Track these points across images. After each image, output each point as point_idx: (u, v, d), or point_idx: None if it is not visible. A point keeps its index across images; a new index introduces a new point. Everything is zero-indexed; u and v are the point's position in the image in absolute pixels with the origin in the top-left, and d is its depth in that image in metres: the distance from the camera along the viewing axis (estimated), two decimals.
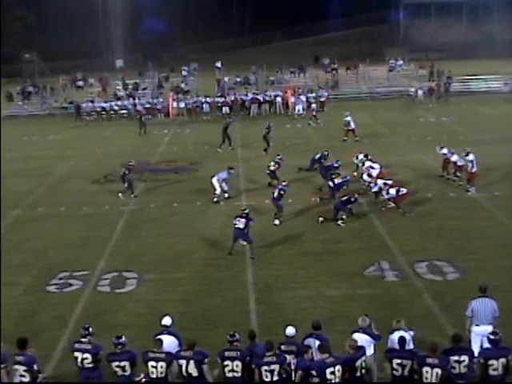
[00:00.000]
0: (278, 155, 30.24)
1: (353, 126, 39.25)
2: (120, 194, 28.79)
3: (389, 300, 17.61)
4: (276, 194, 24.70)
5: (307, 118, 47.71)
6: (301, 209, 26.19)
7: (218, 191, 27.52)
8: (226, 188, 27.83)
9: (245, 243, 21.43)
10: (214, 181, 27.58)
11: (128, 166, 29.16)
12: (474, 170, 27.01)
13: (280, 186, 25.05)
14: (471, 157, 26.99)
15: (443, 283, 18.61)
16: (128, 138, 45.22)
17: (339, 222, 23.97)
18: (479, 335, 13.21)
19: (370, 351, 12.73)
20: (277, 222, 24.61)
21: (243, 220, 21.03)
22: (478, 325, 13.61)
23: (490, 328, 12.97)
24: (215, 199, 27.50)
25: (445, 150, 29.33)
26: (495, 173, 29.98)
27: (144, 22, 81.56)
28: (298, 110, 50.49)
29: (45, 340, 15.90)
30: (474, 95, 57.42)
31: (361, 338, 12.55)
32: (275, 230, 23.87)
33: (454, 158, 28.41)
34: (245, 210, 21.66)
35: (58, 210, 27.44)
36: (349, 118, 39.48)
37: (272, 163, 29.52)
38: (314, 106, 49.96)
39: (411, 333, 12.85)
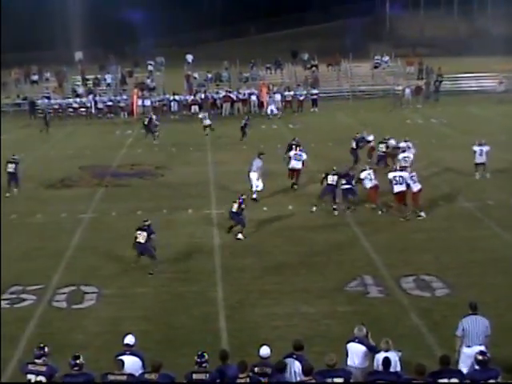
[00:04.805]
0: (298, 146, 30.70)
1: None
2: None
3: (372, 318, 17.57)
4: (235, 208, 23.75)
5: (283, 118, 47.81)
6: (275, 218, 26.24)
7: (260, 186, 27.31)
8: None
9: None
10: (253, 175, 27.30)
11: (11, 160, 29.66)
12: None
13: (242, 198, 24.01)
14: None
15: (431, 300, 18.73)
16: (87, 139, 45.04)
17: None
18: (470, 357, 12.98)
19: (365, 365, 12.79)
20: (240, 236, 23.90)
21: (144, 233, 20.85)
22: (469, 346, 13.57)
23: (482, 349, 12.92)
24: (254, 196, 27.46)
25: (392, 141, 31.80)
26: (487, 180, 30.26)
27: (106, 12, 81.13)
28: (272, 111, 50.52)
29: None
30: (466, 95, 58.00)
31: (356, 349, 12.65)
32: (246, 240, 23.88)
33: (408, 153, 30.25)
34: (146, 221, 21.42)
35: (8, 218, 27.15)
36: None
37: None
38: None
39: (399, 354, 12.85)
